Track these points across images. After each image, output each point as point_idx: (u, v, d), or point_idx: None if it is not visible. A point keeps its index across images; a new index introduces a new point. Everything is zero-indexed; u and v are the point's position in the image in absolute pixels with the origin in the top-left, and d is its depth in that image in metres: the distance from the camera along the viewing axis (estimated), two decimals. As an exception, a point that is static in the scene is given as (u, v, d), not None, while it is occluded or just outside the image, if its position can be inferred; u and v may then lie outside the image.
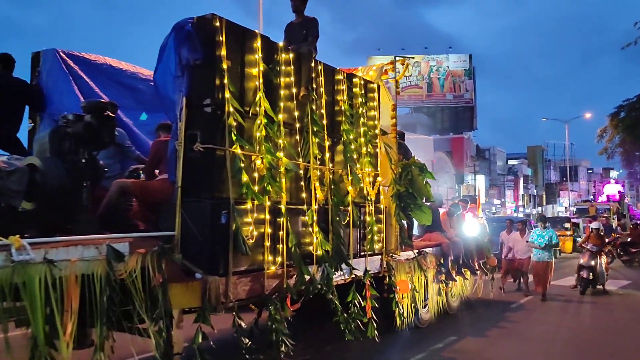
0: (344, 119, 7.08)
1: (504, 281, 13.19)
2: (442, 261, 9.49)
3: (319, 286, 6.24)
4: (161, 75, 5.41)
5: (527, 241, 13.06)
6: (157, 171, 5.62)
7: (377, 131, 7.90)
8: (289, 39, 6.90)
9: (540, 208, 70.92)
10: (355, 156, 7.21)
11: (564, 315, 10.85)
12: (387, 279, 7.77)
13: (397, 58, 8.45)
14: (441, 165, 53.34)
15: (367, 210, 7.41)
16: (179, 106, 5.22)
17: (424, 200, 8.48)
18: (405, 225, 8.60)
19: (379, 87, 8.05)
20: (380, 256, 7.72)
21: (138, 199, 5.50)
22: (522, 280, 13.48)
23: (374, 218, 7.54)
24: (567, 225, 26.94)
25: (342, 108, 7.10)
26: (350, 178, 6.99)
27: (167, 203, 5.22)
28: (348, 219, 6.93)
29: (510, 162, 74.40)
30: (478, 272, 10.85)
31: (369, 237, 7.37)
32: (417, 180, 7.90)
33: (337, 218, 6.68)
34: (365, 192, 7.40)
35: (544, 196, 71.61)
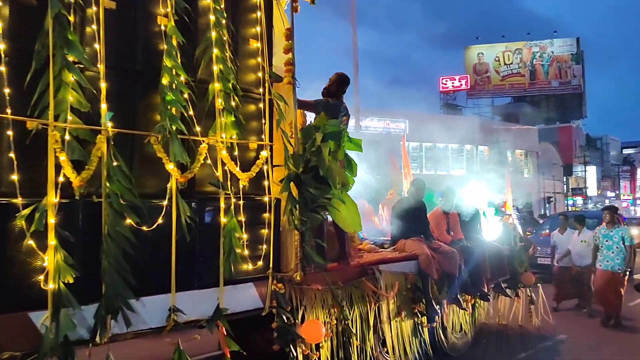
0: (166, 48, 4.05)
1: (558, 298, 9.46)
2: (419, 284, 6.13)
3: (50, 349, 3.28)
4: None
5: (582, 240, 9.23)
6: None
7: (260, 74, 4.77)
8: None
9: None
10: (191, 113, 4.16)
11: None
12: (277, 321, 4.62)
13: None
14: (547, 157, 48.58)
15: (226, 206, 4.32)
16: None
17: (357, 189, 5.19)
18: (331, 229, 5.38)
19: (268, 3, 4.90)
20: (260, 283, 4.60)
21: None
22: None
23: (243, 218, 4.44)
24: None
25: (164, 29, 4.08)
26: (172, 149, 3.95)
27: None
28: (160, 221, 3.89)
29: (626, 151, 67.71)
30: (490, 296, 7.27)
31: (227, 250, 4.29)
32: (325, 154, 4.64)
33: (127, 221, 3.67)
34: (221, 174, 4.32)
35: (668, 187, 63.67)
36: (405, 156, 9.22)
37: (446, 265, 6.35)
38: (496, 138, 40.60)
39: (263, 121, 4.76)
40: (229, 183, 4.37)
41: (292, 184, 4.66)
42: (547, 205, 45.89)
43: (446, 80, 52.12)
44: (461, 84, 52.34)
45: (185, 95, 4.12)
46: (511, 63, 55.84)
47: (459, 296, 6.60)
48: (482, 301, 7.24)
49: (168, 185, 4.00)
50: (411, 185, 6.86)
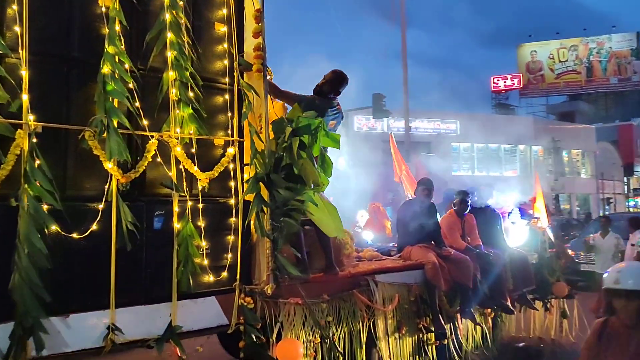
0: (108, 32, 3.59)
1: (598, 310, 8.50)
2: (425, 296, 5.47)
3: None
4: None
5: (632, 244, 8.25)
6: None
7: (226, 62, 4.26)
8: None
9: None
10: (137, 105, 3.69)
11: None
12: (245, 339, 4.08)
13: None
14: (606, 156, 46.44)
15: (181, 210, 3.83)
16: None
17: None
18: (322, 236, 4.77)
19: (237, -18, 4.38)
20: (225, 297, 4.08)
21: None
22: None
23: (203, 224, 3.94)
24: None
25: (104, 11, 3.62)
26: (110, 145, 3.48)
27: None
28: (95, 227, 3.43)
29: (690, 149, 63.54)
30: (513, 308, 6.47)
31: (182, 259, 3.79)
32: (294, 149, 4.06)
33: (52, 228, 3.23)
34: (175, 174, 3.83)
35: None
36: (397, 155, 8.40)
37: (458, 275, 5.66)
38: (551, 138, 38.96)
39: (230, 114, 4.25)
40: (184, 184, 3.87)
41: (261, 184, 4.11)
42: (607, 207, 43.62)
43: (498, 80, 50.45)
44: (513, 83, 50.57)
45: (131, 85, 3.65)
46: (566, 60, 53.55)
47: (474, 309, 5.89)
48: (505, 314, 6.47)
49: (106, 187, 3.53)
50: (418, 185, 6.17)
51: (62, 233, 3.29)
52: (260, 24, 4.30)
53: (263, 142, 4.20)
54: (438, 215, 6.92)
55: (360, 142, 18.47)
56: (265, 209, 4.08)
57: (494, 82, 49.90)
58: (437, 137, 34.43)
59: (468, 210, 6.34)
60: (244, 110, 4.17)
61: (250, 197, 4.13)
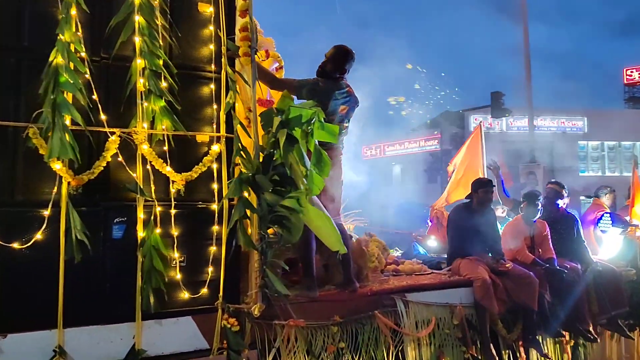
0: (62, 17, 3.21)
1: None
2: (474, 319, 4.57)
3: None
4: None
5: None
6: None
7: (212, 47, 3.73)
8: None
9: None
10: (95, 98, 3.28)
11: None
12: (228, 368, 3.52)
13: None
14: None
15: (147, 216, 3.36)
16: None
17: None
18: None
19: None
20: (204, 317, 3.54)
21: None
22: None
23: (177, 232, 3.45)
24: None
25: (60, -4, 3.25)
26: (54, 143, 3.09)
27: None
28: (40, 236, 3.05)
29: None
30: (595, 336, 5.25)
31: (146, 274, 3.31)
32: (281, 144, 3.40)
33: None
34: (140, 175, 3.37)
35: None
36: (476, 149, 7.16)
37: (518, 294, 4.68)
38: (698, 133, 34.66)
39: (217, 107, 3.72)
40: (152, 186, 3.39)
41: (247, 187, 3.52)
42: None
43: (632, 71, 45.77)
44: (650, 74, 45.70)
45: (88, 77, 3.25)
46: None
47: (542, 336, 4.86)
48: (587, 342, 5.31)
49: (55, 191, 3.14)
50: (473, 185, 5.20)
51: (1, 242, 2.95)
52: (247, 1, 3.72)
53: (251, 137, 3.62)
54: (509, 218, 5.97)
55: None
56: (251, 215, 3.49)
57: (627, 74, 45.45)
58: (562, 136, 31.95)
59: (538, 215, 5.27)
60: (227, 100, 3.62)
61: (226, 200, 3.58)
